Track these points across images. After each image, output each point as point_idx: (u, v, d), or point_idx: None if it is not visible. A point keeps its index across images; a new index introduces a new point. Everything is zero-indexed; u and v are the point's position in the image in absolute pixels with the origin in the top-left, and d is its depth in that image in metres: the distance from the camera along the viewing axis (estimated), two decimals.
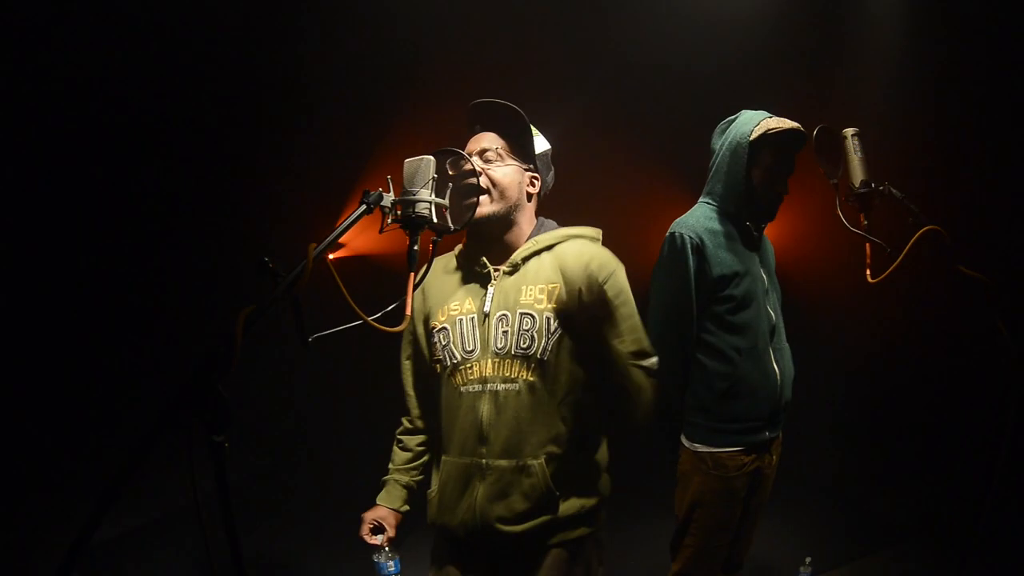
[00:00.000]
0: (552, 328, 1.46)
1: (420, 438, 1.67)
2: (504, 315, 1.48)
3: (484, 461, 1.46)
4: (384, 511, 1.61)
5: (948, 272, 1.69)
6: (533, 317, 1.46)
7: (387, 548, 1.55)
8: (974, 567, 1.79)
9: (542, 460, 1.45)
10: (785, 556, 2.98)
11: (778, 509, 3.51)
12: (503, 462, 1.45)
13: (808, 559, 2.41)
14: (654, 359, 1.56)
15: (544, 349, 1.45)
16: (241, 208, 3.34)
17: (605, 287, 1.49)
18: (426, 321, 1.58)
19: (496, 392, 1.45)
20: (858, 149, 1.68)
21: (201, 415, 1.11)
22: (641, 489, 2.73)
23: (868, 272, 1.70)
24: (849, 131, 1.68)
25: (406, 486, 1.65)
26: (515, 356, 1.45)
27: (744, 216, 1.91)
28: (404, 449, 1.67)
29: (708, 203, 1.93)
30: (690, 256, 1.80)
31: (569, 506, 1.48)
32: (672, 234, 1.85)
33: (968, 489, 1.99)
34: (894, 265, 1.65)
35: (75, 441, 3.08)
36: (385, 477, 1.67)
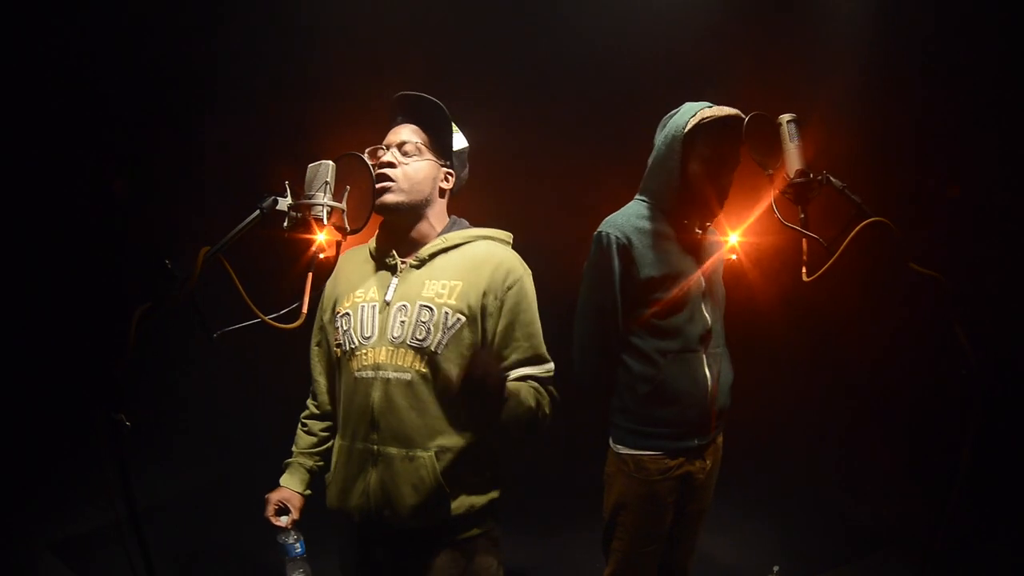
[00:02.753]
0: (449, 323, 1.47)
1: (325, 423, 1.70)
2: (404, 305, 1.50)
3: (375, 447, 1.47)
4: (288, 492, 1.63)
5: (898, 270, 1.55)
6: (432, 310, 1.48)
7: (292, 530, 1.57)
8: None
9: (432, 453, 1.46)
10: (758, 563, 2.84)
11: (752, 516, 3.36)
12: (393, 450, 1.46)
13: (776, 568, 2.29)
14: (549, 365, 1.57)
15: (439, 343, 1.47)
16: (163, 208, 3.27)
17: (509, 292, 1.51)
18: (334, 307, 1.62)
19: (388, 380, 1.47)
20: (794, 136, 1.55)
21: (102, 397, 1.29)
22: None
23: (804, 270, 1.58)
24: (785, 117, 1.56)
25: (309, 470, 1.67)
26: (410, 346, 1.47)
27: (681, 214, 1.82)
28: (309, 433, 1.70)
29: (642, 200, 1.84)
30: (615, 257, 1.73)
31: (459, 504, 1.49)
32: (599, 233, 1.78)
33: (938, 497, 1.82)
34: (830, 262, 1.52)
35: None
36: (288, 460, 1.69)
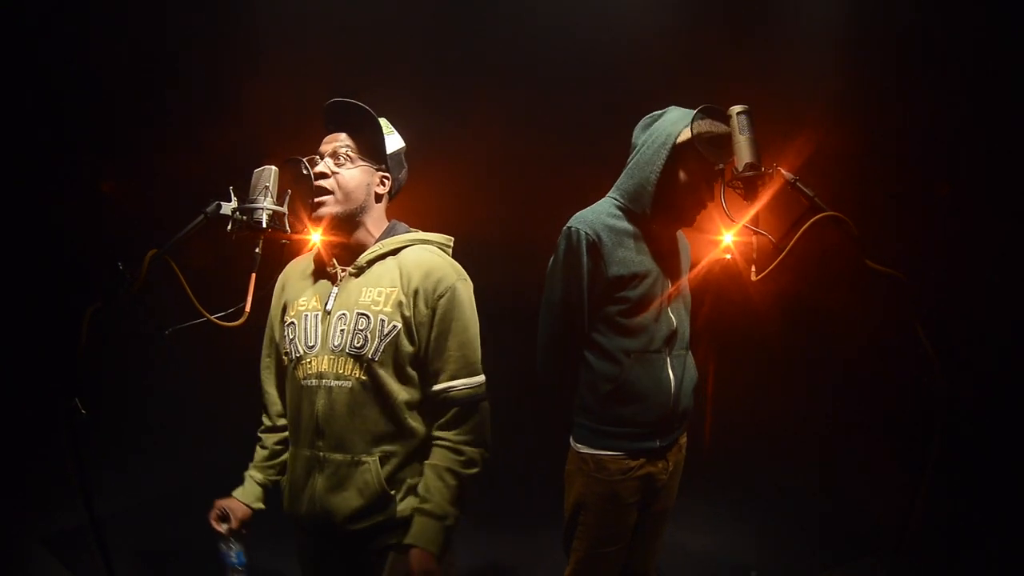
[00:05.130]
0: (386, 330, 1.48)
1: (279, 436, 1.70)
2: (343, 314, 1.51)
3: (321, 454, 1.50)
4: (234, 502, 1.63)
5: (856, 268, 1.46)
6: (368, 318, 1.49)
7: (232, 539, 1.58)
8: None
9: (376, 458, 1.48)
10: (741, 566, 2.77)
11: (734, 518, 3.25)
12: (337, 456, 1.49)
13: (753, 573, 2.21)
14: (480, 378, 1.55)
15: (376, 350, 1.48)
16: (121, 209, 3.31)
17: (440, 300, 1.51)
18: (282, 317, 1.64)
19: (330, 388, 1.49)
20: (745, 128, 1.48)
21: (61, 387, 1.38)
22: None
23: (753, 268, 1.51)
24: (735, 109, 1.50)
25: (261, 483, 1.67)
26: (349, 354, 1.49)
27: (655, 216, 1.75)
28: (263, 447, 1.71)
29: (614, 199, 1.79)
30: (584, 253, 1.68)
31: (407, 506, 1.50)
32: (568, 228, 1.73)
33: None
34: (777, 260, 1.45)
35: None
36: (245, 472, 1.70)
